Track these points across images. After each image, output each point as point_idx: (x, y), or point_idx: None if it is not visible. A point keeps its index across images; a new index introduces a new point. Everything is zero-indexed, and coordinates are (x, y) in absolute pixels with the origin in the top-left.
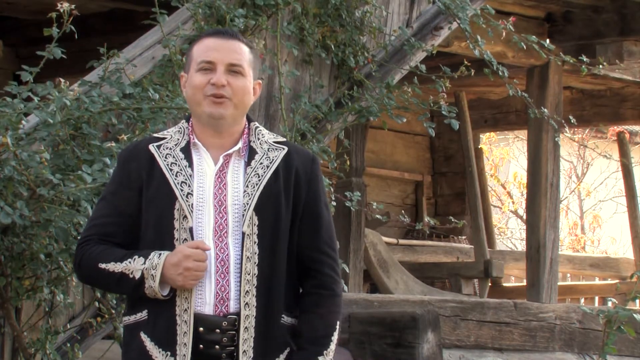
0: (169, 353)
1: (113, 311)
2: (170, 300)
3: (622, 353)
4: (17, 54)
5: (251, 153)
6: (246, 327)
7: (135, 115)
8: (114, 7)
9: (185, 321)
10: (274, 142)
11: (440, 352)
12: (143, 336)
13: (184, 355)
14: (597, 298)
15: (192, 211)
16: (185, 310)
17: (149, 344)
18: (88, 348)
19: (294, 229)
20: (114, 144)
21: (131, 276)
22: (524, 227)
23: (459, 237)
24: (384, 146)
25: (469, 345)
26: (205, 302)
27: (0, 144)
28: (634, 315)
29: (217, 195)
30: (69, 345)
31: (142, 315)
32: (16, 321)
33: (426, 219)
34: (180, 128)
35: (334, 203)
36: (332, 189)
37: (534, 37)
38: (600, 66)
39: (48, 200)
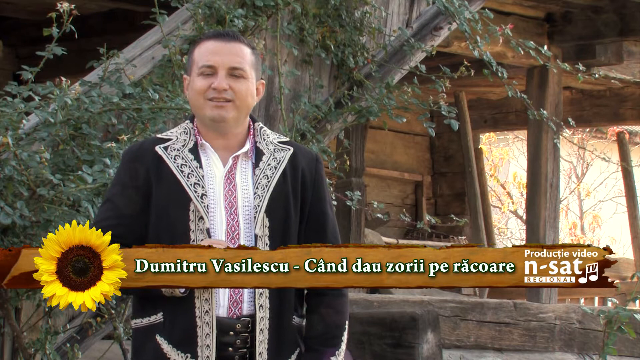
0: (189, 355)
1: (113, 311)
2: (188, 303)
3: (622, 353)
4: (17, 54)
5: (258, 154)
6: (261, 329)
7: (135, 116)
8: (114, 7)
9: (207, 323)
10: (279, 142)
11: (440, 353)
12: (159, 339)
13: (208, 357)
14: (597, 298)
15: (207, 212)
16: (207, 312)
17: (166, 346)
18: (88, 348)
19: (301, 229)
20: (114, 144)
21: None
22: (524, 227)
23: (459, 237)
24: (384, 146)
25: (468, 346)
26: (219, 304)
27: (0, 144)
28: (634, 315)
29: (227, 197)
30: (68, 345)
31: (157, 317)
32: (16, 321)
33: (427, 217)
34: (186, 129)
35: (334, 202)
36: (332, 189)
37: (532, 43)
38: (600, 71)
39: (48, 201)
